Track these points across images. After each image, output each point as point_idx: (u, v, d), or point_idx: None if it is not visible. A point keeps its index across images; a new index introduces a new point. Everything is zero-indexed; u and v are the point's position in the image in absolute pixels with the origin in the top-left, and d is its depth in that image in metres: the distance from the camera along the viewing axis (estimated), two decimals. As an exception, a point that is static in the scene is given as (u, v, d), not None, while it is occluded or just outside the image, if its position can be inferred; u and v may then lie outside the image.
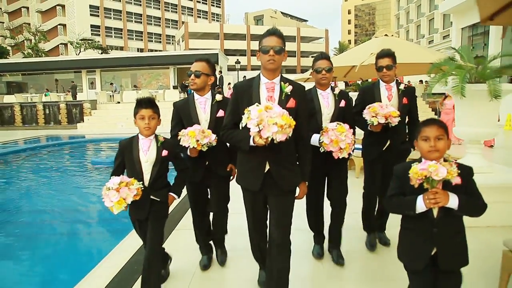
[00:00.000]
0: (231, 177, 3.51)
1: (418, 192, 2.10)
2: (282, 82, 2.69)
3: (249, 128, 2.37)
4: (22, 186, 8.91)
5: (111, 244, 4.28)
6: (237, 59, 36.04)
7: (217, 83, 21.83)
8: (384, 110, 3.45)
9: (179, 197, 3.12)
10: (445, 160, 2.11)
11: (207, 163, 3.33)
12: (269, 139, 2.36)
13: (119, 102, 27.55)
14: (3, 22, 68.70)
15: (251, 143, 2.48)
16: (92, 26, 65.63)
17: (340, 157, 3.30)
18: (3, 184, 9.26)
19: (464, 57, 4.43)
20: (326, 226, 3.78)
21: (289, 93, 2.66)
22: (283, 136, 2.37)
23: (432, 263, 2.17)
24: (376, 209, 4.05)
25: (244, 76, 32.62)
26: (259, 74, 2.76)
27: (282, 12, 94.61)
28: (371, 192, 3.92)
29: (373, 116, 3.47)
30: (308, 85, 3.67)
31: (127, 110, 21.85)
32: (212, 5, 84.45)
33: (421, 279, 2.22)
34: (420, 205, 2.10)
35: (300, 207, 2.97)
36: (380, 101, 3.64)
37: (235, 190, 3.02)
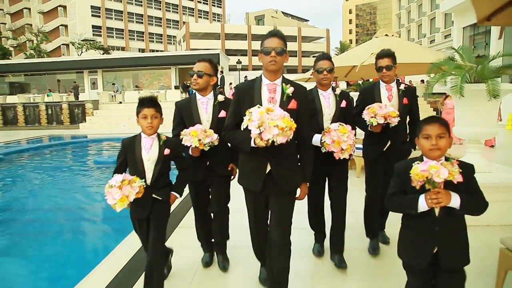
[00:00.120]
0: (232, 177, 3.52)
1: (419, 190, 2.08)
2: (283, 84, 2.70)
3: (250, 130, 2.39)
4: (26, 185, 8.98)
5: (115, 241, 4.34)
6: (238, 59, 36.12)
7: (218, 83, 21.84)
8: (383, 110, 3.45)
9: (181, 196, 3.14)
10: (446, 159, 2.10)
11: (208, 163, 3.34)
12: (270, 141, 2.37)
13: (121, 102, 27.63)
14: (5, 23, 68.89)
15: (252, 144, 2.49)
16: (93, 26, 65.80)
17: (341, 158, 3.30)
18: (8, 182, 9.33)
19: (463, 57, 4.47)
20: (327, 225, 3.80)
21: (291, 95, 2.67)
22: (283, 139, 2.38)
23: (433, 262, 2.16)
24: (376, 211, 3.98)
25: (245, 76, 32.69)
26: (261, 75, 2.76)
27: (283, 12, 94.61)
28: (373, 196, 3.87)
29: (372, 117, 3.47)
30: (309, 85, 3.71)
31: (129, 110, 21.92)
32: (213, 5, 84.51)
33: (420, 277, 2.22)
34: (422, 205, 2.09)
35: (300, 206, 3.00)
36: (381, 102, 3.64)
37: (236, 189, 3.05)
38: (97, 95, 29.81)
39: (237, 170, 3.06)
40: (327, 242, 3.78)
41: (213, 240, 3.70)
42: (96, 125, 23.44)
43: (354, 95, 5.44)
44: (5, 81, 37.47)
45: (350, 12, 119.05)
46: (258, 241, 3.06)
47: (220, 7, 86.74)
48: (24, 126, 24.84)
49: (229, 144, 3.36)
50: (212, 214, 3.63)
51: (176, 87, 32.44)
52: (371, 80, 13.47)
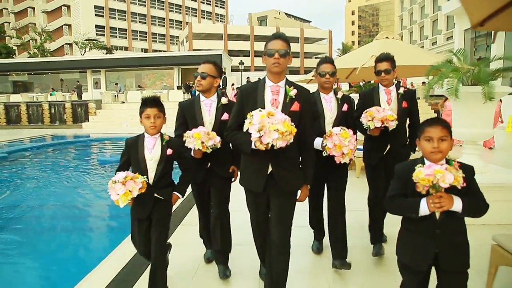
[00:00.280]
0: (233, 179, 3.52)
1: (419, 192, 2.05)
2: (287, 86, 2.72)
3: (251, 133, 2.42)
4: (30, 183, 9.06)
5: (119, 238, 4.42)
6: (241, 60, 36.21)
7: (221, 84, 21.94)
8: (380, 114, 3.46)
9: (183, 196, 3.16)
10: (447, 161, 2.09)
11: (209, 164, 3.35)
12: (270, 145, 2.40)
13: (123, 102, 27.75)
14: (9, 22, 69.18)
15: (253, 146, 2.50)
16: (97, 26, 65.98)
17: (342, 162, 3.32)
18: (12, 180, 9.42)
19: (460, 60, 4.56)
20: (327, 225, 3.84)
21: (294, 97, 2.69)
22: (283, 143, 2.40)
23: (432, 263, 2.17)
24: (381, 216, 3.91)
25: (248, 77, 32.78)
26: (265, 77, 2.78)
27: (285, 13, 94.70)
28: (376, 200, 3.83)
29: (369, 120, 3.49)
30: (311, 86, 3.78)
31: (131, 110, 22.05)
32: (216, 5, 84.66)
33: (418, 277, 2.23)
34: (424, 209, 2.06)
35: (301, 205, 3.04)
36: (380, 105, 3.66)
37: (238, 189, 3.10)
38: (100, 95, 29.94)
39: (238, 173, 3.06)
40: (325, 240, 3.84)
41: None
42: (99, 125, 23.59)
43: (355, 96, 5.52)
44: (8, 80, 37.69)
45: (353, 13, 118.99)
46: (260, 242, 3.10)
47: (223, 8, 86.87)
48: (27, 125, 24.89)
49: (231, 146, 3.38)
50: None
51: (178, 88, 32.55)
52: (372, 82, 13.56)
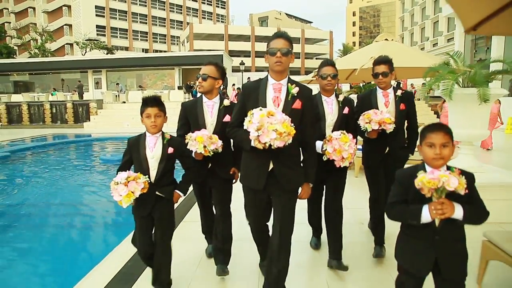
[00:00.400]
0: (234, 180, 3.51)
1: (420, 199, 2.05)
2: (289, 84, 2.74)
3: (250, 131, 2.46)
4: (33, 182, 9.17)
5: (124, 233, 4.52)
6: (242, 61, 36.30)
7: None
8: (377, 116, 3.47)
9: (185, 195, 3.19)
10: (448, 168, 2.08)
11: (209, 165, 3.36)
12: (267, 144, 2.43)
13: (124, 102, 27.85)
14: (10, 22, 69.32)
15: (252, 144, 2.53)
16: (97, 26, 66.12)
17: (342, 166, 3.35)
18: (15, 179, 9.55)
19: (457, 62, 4.67)
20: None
21: (296, 95, 2.71)
22: (281, 143, 2.42)
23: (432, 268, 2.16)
24: (383, 219, 3.92)
25: (248, 78, 32.87)
26: (267, 75, 2.80)
27: (286, 14, 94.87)
28: (377, 202, 3.86)
29: (367, 123, 3.50)
30: (311, 87, 3.86)
31: (132, 110, 22.16)
32: (216, 6, 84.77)
33: (417, 281, 2.23)
34: (426, 216, 2.03)
35: (301, 203, 3.12)
36: (377, 108, 3.66)
37: (240, 187, 3.12)
38: (101, 95, 30.04)
39: (239, 174, 3.09)
40: (323, 237, 3.94)
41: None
42: (100, 124, 23.71)
43: (355, 97, 5.61)
44: (9, 80, 37.78)
45: (354, 14, 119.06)
46: (257, 239, 3.18)
47: (224, 8, 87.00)
48: (29, 125, 25.00)
49: (232, 148, 3.43)
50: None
51: (179, 88, 32.63)
52: (372, 82, 13.65)
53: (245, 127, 2.52)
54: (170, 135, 3.05)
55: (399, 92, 3.76)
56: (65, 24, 66.56)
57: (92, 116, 24.72)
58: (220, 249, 3.49)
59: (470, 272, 2.16)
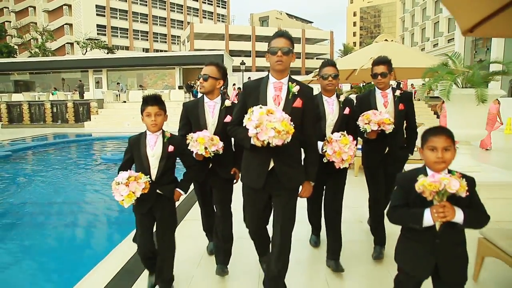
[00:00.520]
0: (234, 181, 3.52)
1: (421, 203, 2.05)
2: (290, 82, 2.74)
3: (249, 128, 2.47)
4: (35, 180, 9.24)
5: (127, 231, 4.57)
6: (242, 60, 36.35)
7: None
8: (377, 117, 3.47)
9: (186, 193, 3.20)
10: (449, 171, 2.07)
11: (210, 165, 3.37)
12: (265, 142, 2.43)
13: (125, 102, 27.94)
14: (10, 21, 69.38)
15: (252, 142, 2.56)
16: (98, 25, 66.19)
17: (341, 167, 3.37)
18: (17, 178, 9.62)
19: (455, 63, 4.73)
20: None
21: (296, 93, 2.71)
22: (279, 141, 2.43)
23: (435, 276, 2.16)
24: (384, 219, 3.93)
25: (249, 77, 32.92)
26: (268, 74, 2.81)
27: (287, 14, 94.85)
28: (377, 202, 3.89)
29: (366, 123, 3.50)
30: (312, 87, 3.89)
31: (133, 110, 22.24)
32: (217, 5, 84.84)
33: (415, 282, 2.24)
34: (428, 219, 2.02)
35: (301, 201, 3.13)
36: (376, 108, 3.66)
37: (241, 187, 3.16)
38: (102, 94, 30.10)
39: (240, 174, 3.09)
40: (323, 235, 4.00)
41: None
42: (101, 124, 23.77)
43: (354, 97, 5.65)
44: (10, 79, 37.84)
45: (355, 14, 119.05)
46: (255, 240, 3.20)
47: (225, 8, 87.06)
48: (29, 124, 25.09)
49: (233, 148, 3.44)
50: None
51: (180, 87, 32.70)
52: (372, 83, 13.71)
53: (244, 124, 2.53)
54: (171, 134, 3.06)
55: (398, 92, 3.77)
56: (65, 24, 66.61)
57: (92, 115, 24.80)
58: (220, 249, 3.51)
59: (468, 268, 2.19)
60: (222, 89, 3.76)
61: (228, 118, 3.23)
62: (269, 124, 2.40)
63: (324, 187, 3.72)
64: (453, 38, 36.19)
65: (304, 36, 66.75)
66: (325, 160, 3.31)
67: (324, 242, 3.94)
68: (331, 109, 3.51)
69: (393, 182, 3.53)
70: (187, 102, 3.62)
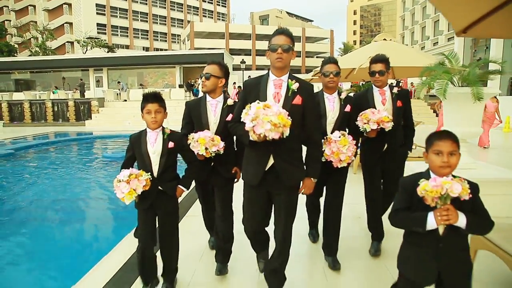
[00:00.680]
0: (236, 180, 3.52)
1: (424, 206, 2.02)
2: (289, 79, 2.74)
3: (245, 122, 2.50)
4: (38, 178, 9.33)
5: (131, 225, 4.65)
6: (242, 59, 36.41)
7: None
8: (375, 116, 3.47)
9: (188, 189, 3.22)
10: (453, 176, 2.02)
11: (212, 164, 3.38)
12: (262, 135, 2.44)
13: (125, 100, 28.03)
14: (10, 20, 69.43)
15: (251, 137, 2.57)
16: (98, 24, 66.28)
17: (340, 167, 3.40)
18: (20, 176, 9.71)
19: (452, 62, 4.82)
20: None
21: (296, 90, 2.71)
22: (276, 135, 2.43)
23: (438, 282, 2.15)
24: (381, 215, 4.02)
25: (249, 76, 32.97)
26: (268, 71, 2.83)
27: (287, 12, 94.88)
28: (374, 201, 3.93)
29: (365, 123, 3.50)
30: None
31: (133, 108, 22.34)
32: (217, 4, 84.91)
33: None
34: (431, 222, 2.00)
35: (300, 198, 3.16)
36: (375, 106, 3.66)
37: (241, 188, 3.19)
38: (102, 93, 30.18)
39: (241, 173, 3.09)
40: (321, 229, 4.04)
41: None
42: (102, 123, 23.87)
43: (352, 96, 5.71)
44: (10, 78, 37.91)
45: (355, 13, 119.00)
46: (251, 238, 3.21)
47: (225, 7, 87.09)
48: (30, 123, 25.22)
49: (235, 147, 3.47)
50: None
51: (180, 86, 32.75)
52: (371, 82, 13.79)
53: (242, 119, 2.56)
54: (170, 130, 3.09)
55: (395, 90, 3.77)
56: (65, 22, 66.64)
57: (93, 114, 24.90)
58: (220, 248, 3.55)
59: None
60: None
61: (230, 117, 3.22)
62: (265, 118, 2.41)
63: (325, 185, 3.75)
64: (453, 37, 36.23)
65: (304, 35, 66.83)
66: (323, 160, 3.34)
67: (321, 236, 3.98)
68: (332, 107, 3.52)
69: (394, 178, 3.65)
70: (189, 101, 3.66)
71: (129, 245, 4.12)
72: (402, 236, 2.29)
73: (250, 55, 62.33)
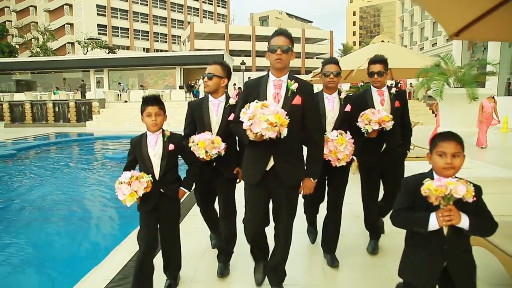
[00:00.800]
0: (238, 180, 3.51)
1: (427, 207, 2.02)
2: (288, 80, 2.76)
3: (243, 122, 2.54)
4: (40, 178, 9.43)
5: (134, 224, 4.73)
6: (242, 60, 36.46)
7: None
8: (376, 116, 3.49)
9: (189, 191, 3.26)
10: (457, 178, 2.02)
11: (214, 164, 3.39)
12: (259, 134, 2.47)
13: (126, 101, 28.10)
14: (11, 21, 69.56)
15: (249, 137, 2.59)
16: (99, 25, 66.32)
17: (338, 166, 3.42)
18: (23, 176, 9.81)
19: (447, 64, 4.93)
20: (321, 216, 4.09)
21: (295, 91, 2.73)
22: (272, 134, 2.46)
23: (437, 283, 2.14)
24: (377, 214, 4.10)
25: (249, 77, 33.02)
26: (268, 72, 2.86)
27: (287, 13, 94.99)
28: (371, 202, 3.97)
29: (366, 124, 3.51)
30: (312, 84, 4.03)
31: (134, 109, 22.39)
32: (217, 5, 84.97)
33: None
34: (433, 223, 1.99)
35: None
36: (374, 106, 3.68)
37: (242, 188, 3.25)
38: (103, 94, 30.25)
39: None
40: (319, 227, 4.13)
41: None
42: (102, 123, 23.98)
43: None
44: (12, 79, 37.98)
45: (354, 14, 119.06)
46: (253, 241, 3.19)
47: (225, 8, 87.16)
48: (31, 123, 25.27)
49: (237, 148, 3.47)
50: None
51: (180, 87, 32.80)
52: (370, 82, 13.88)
53: (240, 119, 2.59)
54: (170, 132, 3.10)
55: (393, 90, 3.80)
56: (66, 23, 66.74)
57: (94, 115, 24.97)
58: (222, 249, 3.59)
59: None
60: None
61: (232, 116, 3.22)
62: (262, 117, 2.44)
63: (326, 185, 3.78)
64: (452, 38, 36.25)
65: (304, 36, 66.84)
66: None
67: (320, 234, 4.05)
68: (331, 107, 3.54)
69: (395, 177, 3.71)
70: (192, 101, 3.68)
71: (132, 243, 4.13)
72: (400, 235, 2.30)
73: (250, 56, 62.35)
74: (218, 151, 3.18)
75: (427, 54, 36.07)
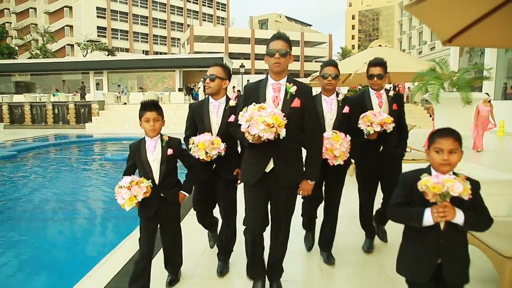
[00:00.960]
0: (238, 181, 3.48)
1: (423, 202, 2.04)
2: (287, 83, 2.79)
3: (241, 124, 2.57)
4: (41, 179, 9.50)
5: (134, 224, 4.80)
6: (242, 63, 36.56)
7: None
8: (377, 118, 3.54)
9: (189, 194, 3.32)
10: (454, 174, 2.05)
11: (214, 166, 3.41)
12: (256, 136, 2.49)
13: (125, 103, 28.14)
14: (11, 23, 69.58)
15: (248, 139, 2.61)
16: (98, 27, 66.44)
17: (335, 164, 3.44)
18: (23, 177, 9.88)
19: (442, 68, 5.05)
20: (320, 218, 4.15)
21: (294, 93, 2.76)
22: (270, 135, 2.48)
23: (435, 278, 2.14)
24: (373, 214, 4.16)
25: (248, 80, 33.10)
26: (267, 75, 2.89)
27: (286, 17, 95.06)
28: (368, 204, 4.04)
29: (368, 125, 3.55)
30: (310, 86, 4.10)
31: (133, 112, 22.36)
32: (217, 8, 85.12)
33: None
34: (428, 218, 2.02)
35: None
36: (372, 109, 3.72)
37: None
38: (103, 96, 30.29)
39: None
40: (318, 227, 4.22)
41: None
42: (102, 125, 23.98)
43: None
44: (11, 81, 37.99)
45: (353, 17, 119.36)
46: (253, 244, 3.07)
47: (224, 11, 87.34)
48: (31, 125, 25.29)
49: (239, 150, 3.49)
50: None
51: (180, 90, 32.85)
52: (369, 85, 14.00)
53: (239, 121, 2.62)
54: (169, 137, 3.11)
55: (391, 93, 3.85)
56: (66, 25, 66.76)
57: (94, 117, 24.99)
58: (222, 249, 3.65)
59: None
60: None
61: (232, 118, 3.24)
62: (259, 118, 2.47)
63: (323, 187, 3.82)
64: (450, 42, 36.40)
65: (303, 39, 66.94)
66: None
67: (317, 235, 4.15)
68: (330, 109, 3.56)
69: (394, 177, 3.75)
70: (193, 103, 3.70)
71: (131, 244, 4.24)
72: (395, 234, 2.37)
73: (249, 59, 62.40)
74: (218, 152, 3.20)
75: (425, 58, 36.25)
